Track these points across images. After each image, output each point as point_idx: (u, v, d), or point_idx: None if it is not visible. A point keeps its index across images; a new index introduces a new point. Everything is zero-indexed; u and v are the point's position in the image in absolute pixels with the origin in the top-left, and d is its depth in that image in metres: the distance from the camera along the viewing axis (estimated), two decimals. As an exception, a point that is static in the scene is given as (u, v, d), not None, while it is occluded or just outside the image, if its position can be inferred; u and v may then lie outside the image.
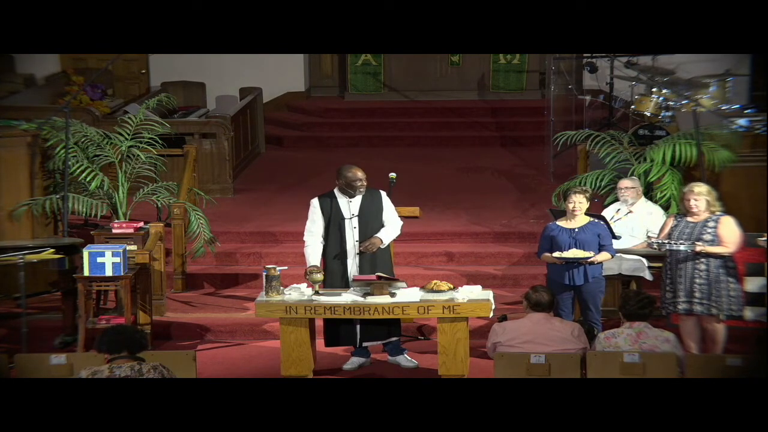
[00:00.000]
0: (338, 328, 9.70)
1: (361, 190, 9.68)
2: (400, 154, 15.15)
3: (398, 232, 9.90)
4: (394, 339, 9.85)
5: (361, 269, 9.65)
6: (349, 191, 9.67)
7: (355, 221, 9.69)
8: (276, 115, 16.77)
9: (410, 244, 11.76)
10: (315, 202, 9.78)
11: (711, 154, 10.98)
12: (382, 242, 9.68)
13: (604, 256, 9.50)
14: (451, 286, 9.41)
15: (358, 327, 9.70)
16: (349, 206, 9.71)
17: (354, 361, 9.87)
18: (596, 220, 9.75)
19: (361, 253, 9.66)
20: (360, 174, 9.68)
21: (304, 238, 9.77)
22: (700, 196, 9.27)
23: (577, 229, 9.53)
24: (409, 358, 9.92)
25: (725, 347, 9.32)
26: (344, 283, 9.64)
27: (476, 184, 14.09)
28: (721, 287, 9.17)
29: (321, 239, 9.72)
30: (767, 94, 14.43)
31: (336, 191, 9.75)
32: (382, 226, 9.77)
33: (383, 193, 9.88)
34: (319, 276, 9.43)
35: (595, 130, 12.33)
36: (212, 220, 11.68)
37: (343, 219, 9.68)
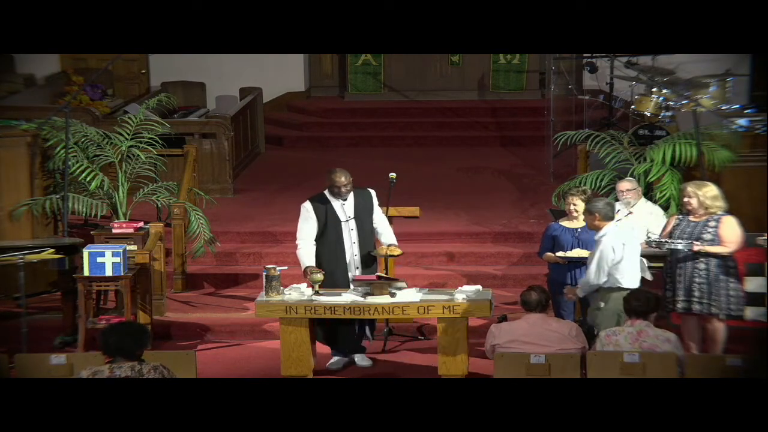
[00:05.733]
0: (337, 330, 9.72)
1: (345, 194, 9.68)
2: (400, 154, 15.16)
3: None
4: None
5: (365, 270, 9.68)
6: (337, 194, 9.68)
7: (353, 223, 9.71)
8: (276, 115, 16.77)
9: (410, 244, 11.75)
10: (308, 206, 9.75)
11: (711, 154, 10.98)
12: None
13: (606, 256, 9.50)
14: (401, 252, 9.77)
15: (366, 327, 9.78)
16: (344, 209, 9.72)
17: (339, 360, 9.86)
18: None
19: (363, 255, 9.69)
20: (343, 179, 9.65)
21: (297, 242, 9.77)
22: (693, 195, 9.28)
23: (580, 229, 9.53)
24: (365, 356, 9.95)
25: (725, 347, 9.32)
26: (345, 285, 9.67)
27: (476, 184, 14.09)
28: (721, 287, 9.17)
29: (313, 242, 9.72)
30: (767, 94, 14.44)
31: (327, 194, 9.75)
32: (373, 225, 9.82)
33: (373, 193, 9.91)
34: (320, 276, 9.44)
35: (595, 130, 12.33)
36: (212, 220, 11.67)
37: (339, 222, 9.69)
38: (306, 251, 9.70)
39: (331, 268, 9.70)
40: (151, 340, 6.97)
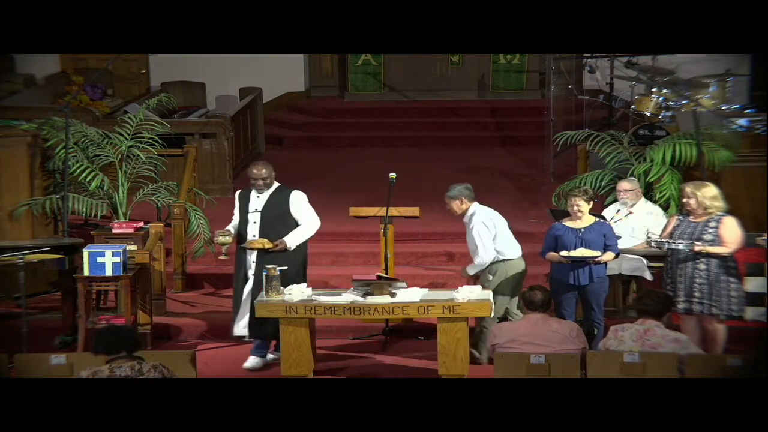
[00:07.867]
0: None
1: (258, 188, 9.77)
2: (399, 154, 15.15)
3: (310, 234, 9.86)
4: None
5: (257, 264, 9.69)
6: (252, 186, 9.81)
7: (256, 216, 9.75)
8: (276, 115, 16.78)
9: (410, 244, 11.76)
10: (237, 193, 10.01)
11: (711, 154, 10.99)
12: (287, 246, 9.70)
13: (609, 256, 9.51)
14: (269, 245, 9.58)
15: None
16: (256, 201, 9.80)
17: (256, 360, 9.89)
18: (602, 221, 9.76)
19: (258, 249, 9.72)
20: (255, 171, 9.78)
21: None
22: (692, 195, 9.28)
23: (583, 229, 9.53)
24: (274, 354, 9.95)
25: (725, 347, 9.32)
26: (244, 274, 9.76)
27: (476, 184, 14.00)
28: (721, 287, 9.17)
29: (236, 226, 9.89)
30: (767, 94, 14.44)
31: None
32: (295, 225, 9.80)
33: (295, 194, 9.87)
34: (226, 239, 9.62)
35: (595, 130, 12.33)
36: (212, 220, 11.67)
37: (247, 212, 9.79)
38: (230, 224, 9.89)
39: (239, 255, 9.85)
40: (147, 339, 7.00)
